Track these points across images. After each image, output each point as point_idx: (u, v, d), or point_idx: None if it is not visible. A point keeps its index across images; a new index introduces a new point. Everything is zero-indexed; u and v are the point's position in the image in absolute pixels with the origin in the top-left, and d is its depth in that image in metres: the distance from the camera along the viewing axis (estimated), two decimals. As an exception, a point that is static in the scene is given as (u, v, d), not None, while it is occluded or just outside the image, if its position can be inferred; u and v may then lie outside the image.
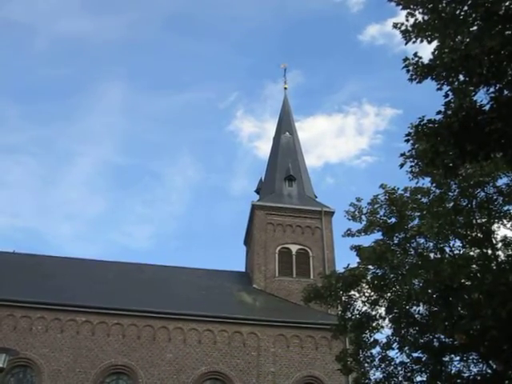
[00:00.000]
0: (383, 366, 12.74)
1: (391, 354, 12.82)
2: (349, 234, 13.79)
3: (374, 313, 13.11)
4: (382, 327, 13.08)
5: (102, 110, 79.67)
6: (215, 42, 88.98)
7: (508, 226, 12.01)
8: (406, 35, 7.97)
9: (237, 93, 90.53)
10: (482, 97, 7.15)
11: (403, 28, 8.00)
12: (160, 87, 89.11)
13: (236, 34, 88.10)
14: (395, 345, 12.62)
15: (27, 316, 21.04)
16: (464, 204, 11.89)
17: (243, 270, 31.35)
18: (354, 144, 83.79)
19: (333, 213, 29.65)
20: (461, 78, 7.31)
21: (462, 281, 11.26)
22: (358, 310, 13.50)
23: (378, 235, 13.20)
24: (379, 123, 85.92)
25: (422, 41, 7.81)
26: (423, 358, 12.08)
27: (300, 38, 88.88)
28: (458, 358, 12.16)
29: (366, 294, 13.18)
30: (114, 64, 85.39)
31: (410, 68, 7.91)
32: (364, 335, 13.29)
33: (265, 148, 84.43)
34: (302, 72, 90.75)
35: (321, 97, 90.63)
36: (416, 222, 12.51)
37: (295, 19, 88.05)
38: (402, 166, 9.51)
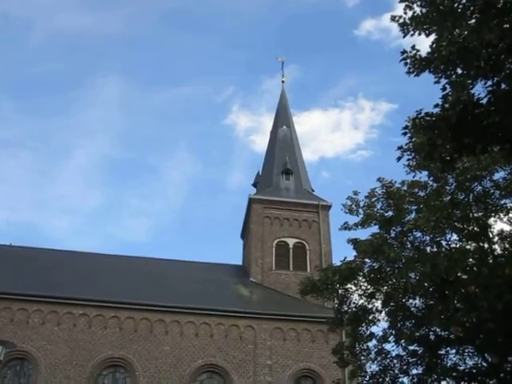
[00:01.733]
0: (379, 358, 12.79)
1: (387, 346, 12.90)
2: (346, 227, 13.79)
3: (370, 306, 13.16)
4: (379, 320, 13.14)
5: (99, 104, 79.38)
6: (212, 36, 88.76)
7: (504, 219, 12.04)
8: (404, 28, 7.95)
9: (233, 87, 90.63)
10: (479, 90, 7.14)
11: (401, 21, 7.98)
12: (157, 81, 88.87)
13: (233, 28, 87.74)
14: (391, 338, 12.67)
15: (24, 309, 21.04)
16: (461, 198, 11.90)
17: (240, 263, 31.36)
18: (349, 138, 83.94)
19: (330, 206, 29.64)
20: (458, 71, 7.30)
21: (459, 274, 11.30)
22: (354, 303, 13.53)
23: (374, 228, 13.24)
24: (375, 118, 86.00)
25: (419, 34, 7.79)
26: (419, 351, 12.12)
27: (296, 33, 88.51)
28: (453, 350, 12.21)
29: (363, 287, 13.21)
30: (111, 58, 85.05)
31: (408, 61, 7.88)
32: (360, 328, 13.33)
33: (261, 142, 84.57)
34: (298, 67, 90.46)
35: (317, 92, 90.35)
36: (413, 215, 12.53)
37: (292, 14, 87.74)
38: (399, 159, 9.46)
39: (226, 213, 79.14)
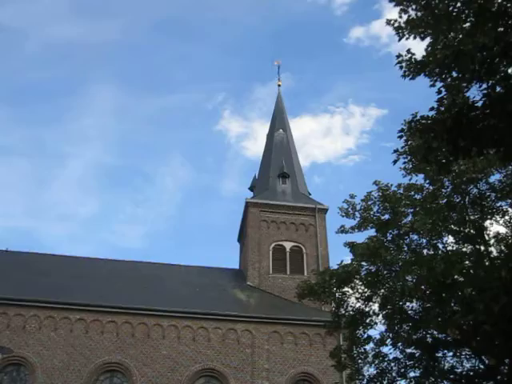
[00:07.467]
0: (377, 361, 12.78)
1: (385, 350, 12.89)
2: (342, 230, 13.83)
3: (367, 309, 13.15)
4: (376, 323, 13.13)
5: (93, 111, 79.57)
6: (204, 44, 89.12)
7: (500, 222, 12.08)
8: (399, 32, 7.99)
9: (224, 93, 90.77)
10: (474, 93, 7.17)
11: (396, 25, 8.02)
12: (151, 89, 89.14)
13: (225, 36, 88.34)
14: (389, 341, 12.66)
15: (20, 314, 20.94)
16: (457, 200, 11.94)
17: (237, 267, 31.35)
18: (340, 144, 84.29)
19: (326, 210, 29.68)
20: (454, 74, 7.33)
21: (455, 277, 11.29)
22: (351, 306, 13.53)
23: (371, 232, 13.28)
24: (365, 123, 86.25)
25: (415, 37, 7.83)
26: (416, 354, 12.13)
27: (287, 41, 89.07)
28: (451, 353, 12.22)
29: (360, 291, 13.21)
30: (105, 66, 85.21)
31: (403, 64, 7.92)
32: (358, 331, 13.34)
33: (253, 148, 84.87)
34: (289, 75, 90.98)
35: (307, 98, 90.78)
36: (409, 218, 12.55)
37: (282, 22, 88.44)
38: (395, 162, 9.51)
39: (220, 218, 79.31)
